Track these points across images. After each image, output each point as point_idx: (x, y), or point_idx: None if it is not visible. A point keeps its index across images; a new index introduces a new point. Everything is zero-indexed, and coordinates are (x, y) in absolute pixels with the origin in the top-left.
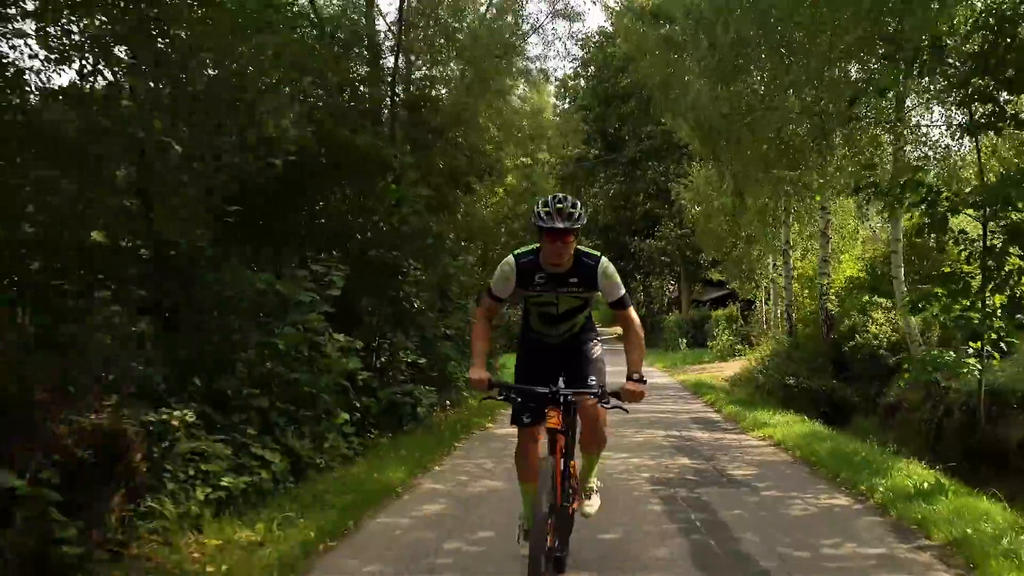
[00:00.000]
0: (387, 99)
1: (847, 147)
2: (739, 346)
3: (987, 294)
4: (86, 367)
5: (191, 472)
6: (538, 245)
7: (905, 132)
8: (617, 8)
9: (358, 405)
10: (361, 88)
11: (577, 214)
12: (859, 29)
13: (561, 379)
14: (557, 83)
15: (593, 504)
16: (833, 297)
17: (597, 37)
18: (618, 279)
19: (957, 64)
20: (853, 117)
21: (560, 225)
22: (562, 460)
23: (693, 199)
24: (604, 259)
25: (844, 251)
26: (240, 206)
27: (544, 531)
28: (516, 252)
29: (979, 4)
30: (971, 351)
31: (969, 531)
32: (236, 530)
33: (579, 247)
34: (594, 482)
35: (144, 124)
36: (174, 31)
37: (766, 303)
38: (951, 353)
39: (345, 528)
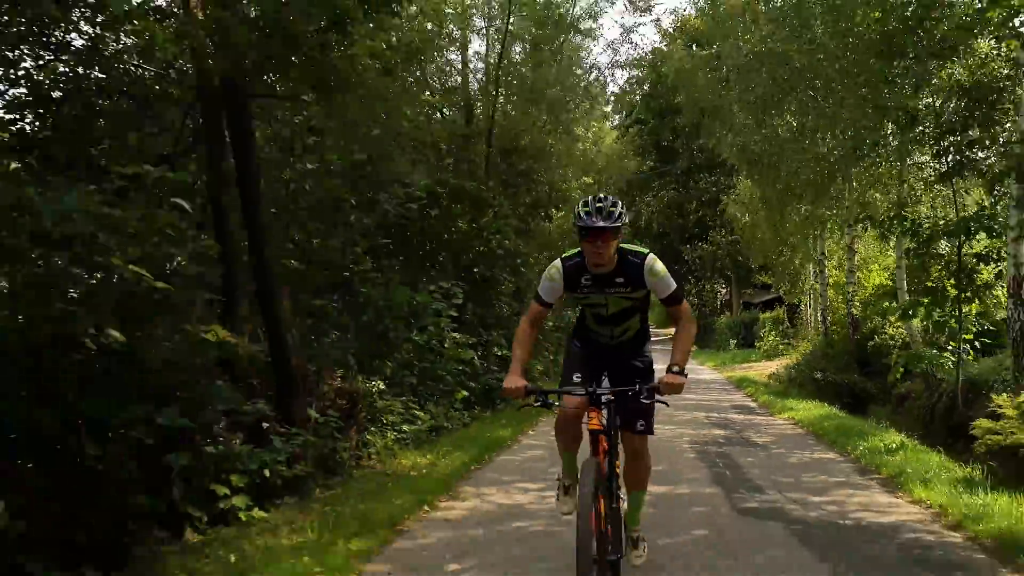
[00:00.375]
0: (485, 149)
1: (850, 186)
2: (783, 346)
3: (960, 304)
4: (324, 353)
5: (384, 421)
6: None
7: (896, 175)
8: (670, 31)
9: (472, 386)
10: (464, 144)
11: (617, 212)
12: (855, 96)
13: (605, 379)
14: (614, 99)
15: (641, 554)
16: (858, 303)
17: (651, 55)
18: (667, 275)
19: (929, 128)
20: (855, 162)
21: (599, 224)
22: (606, 460)
23: (740, 210)
24: (651, 256)
25: (873, 261)
26: (389, 239)
27: (591, 540)
28: (564, 255)
29: (957, 72)
30: (950, 348)
31: (908, 470)
32: (416, 457)
33: (624, 246)
34: (640, 531)
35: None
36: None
37: (808, 307)
38: (933, 351)
39: (483, 459)
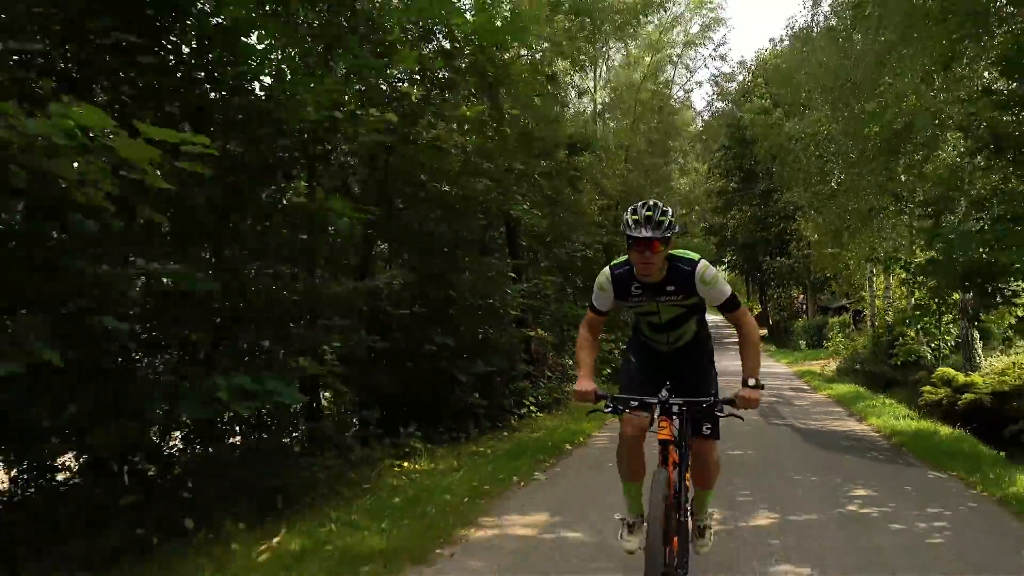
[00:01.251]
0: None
1: (868, 234)
2: (844, 346)
3: (938, 315)
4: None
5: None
6: None
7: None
8: (753, 69)
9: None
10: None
11: (667, 222)
12: (867, 176)
13: (665, 389)
14: (702, 127)
15: (707, 543)
16: (892, 312)
17: (734, 90)
18: (720, 281)
19: (911, 206)
20: (869, 220)
21: (647, 234)
22: (675, 472)
23: (809, 229)
24: (702, 263)
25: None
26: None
27: (660, 552)
28: (612, 263)
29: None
30: (932, 345)
31: (876, 412)
32: (544, 421)
33: (673, 252)
34: (707, 517)
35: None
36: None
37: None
38: (920, 346)
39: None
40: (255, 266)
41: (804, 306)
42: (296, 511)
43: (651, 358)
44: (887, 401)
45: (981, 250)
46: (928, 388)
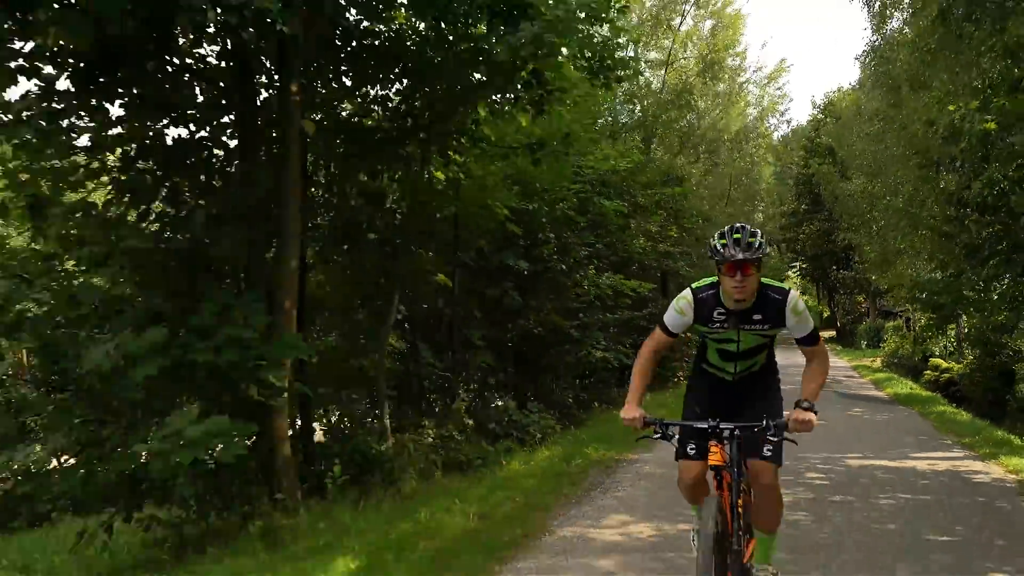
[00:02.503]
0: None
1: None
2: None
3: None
4: None
5: None
6: (717, 278)
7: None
8: (819, 113)
9: None
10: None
11: (757, 243)
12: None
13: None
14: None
15: None
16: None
17: (804, 124)
18: (808, 314)
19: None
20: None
21: (740, 256)
22: (729, 496)
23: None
24: (793, 293)
25: None
26: None
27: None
28: (695, 285)
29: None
30: (942, 345)
31: (899, 389)
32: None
33: (764, 279)
34: (769, 569)
35: None
36: None
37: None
38: (935, 345)
39: None
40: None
41: (867, 311)
42: None
43: (714, 388)
44: (904, 380)
45: (935, 296)
46: (927, 372)
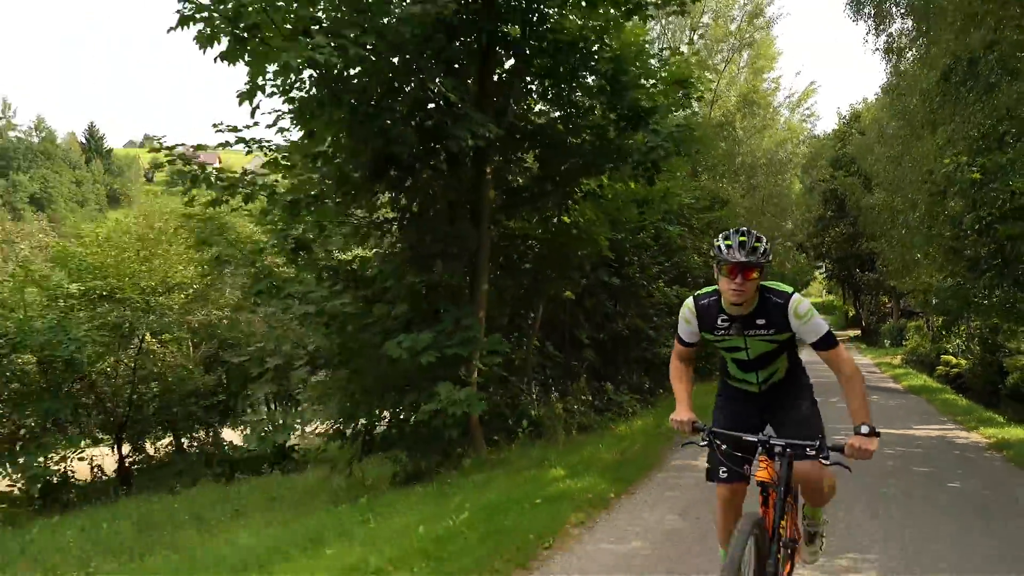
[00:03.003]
0: None
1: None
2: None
3: (947, 330)
4: None
5: None
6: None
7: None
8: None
9: None
10: None
11: (762, 248)
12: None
13: (769, 430)
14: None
15: (816, 550)
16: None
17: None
18: (814, 317)
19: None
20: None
21: (742, 258)
22: (773, 515)
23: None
24: (795, 296)
25: None
26: None
27: None
28: (696, 293)
29: None
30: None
31: (914, 382)
32: None
33: (765, 283)
34: (821, 524)
35: None
36: None
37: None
38: (948, 344)
39: None
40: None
41: (891, 311)
42: None
43: (742, 401)
44: (920, 374)
45: (946, 300)
46: (940, 367)
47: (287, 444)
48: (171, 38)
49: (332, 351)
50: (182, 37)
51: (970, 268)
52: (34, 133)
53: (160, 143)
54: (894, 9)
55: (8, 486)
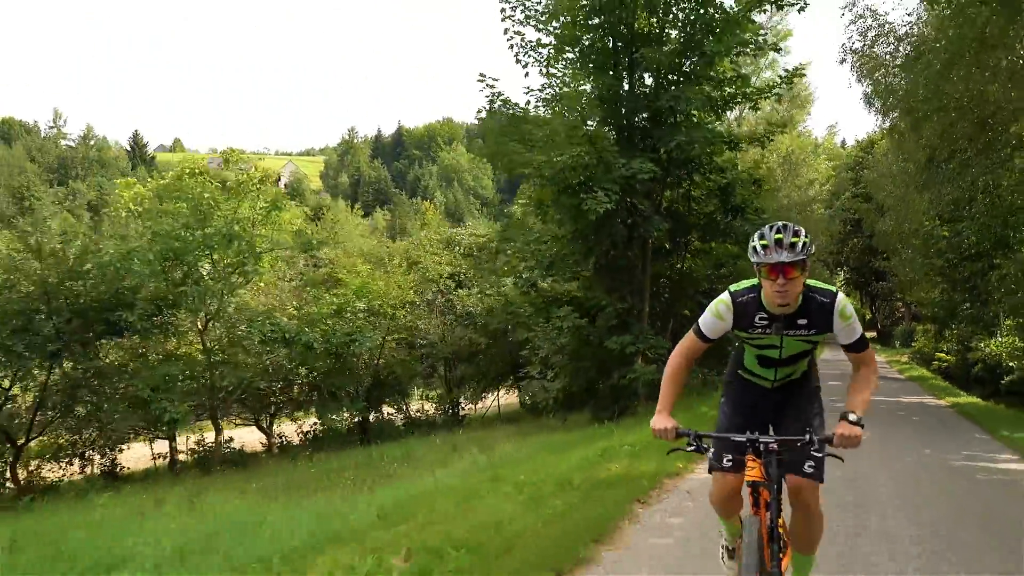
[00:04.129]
0: None
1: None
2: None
3: (939, 333)
4: None
5: None
6: (757, 281)
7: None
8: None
9: None
10: None
11: (801, 243)
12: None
13: (771, 428)
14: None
15: None
16: None
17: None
18: (856, 319)
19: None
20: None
21: (779, 257)
22: (768, 516)
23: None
24: (841, 296)
25: None
26: None
27: None
28: (733, 288)
29: None
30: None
31: (913, 372)
32: None
33: (808, 282)
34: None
35: None
36: None
37: None
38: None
39: None
40: None
41: (903, 315)
42: None
43: (753, 397)
44: (920, 368)
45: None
46: (935, 362)
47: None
48: (171, 38)
49: (570, 346)
50: (182, 36)
51: (952, 288)
52: (83, 142)
53: (231, 151)
54: (896, 106)
55: (299, 432)
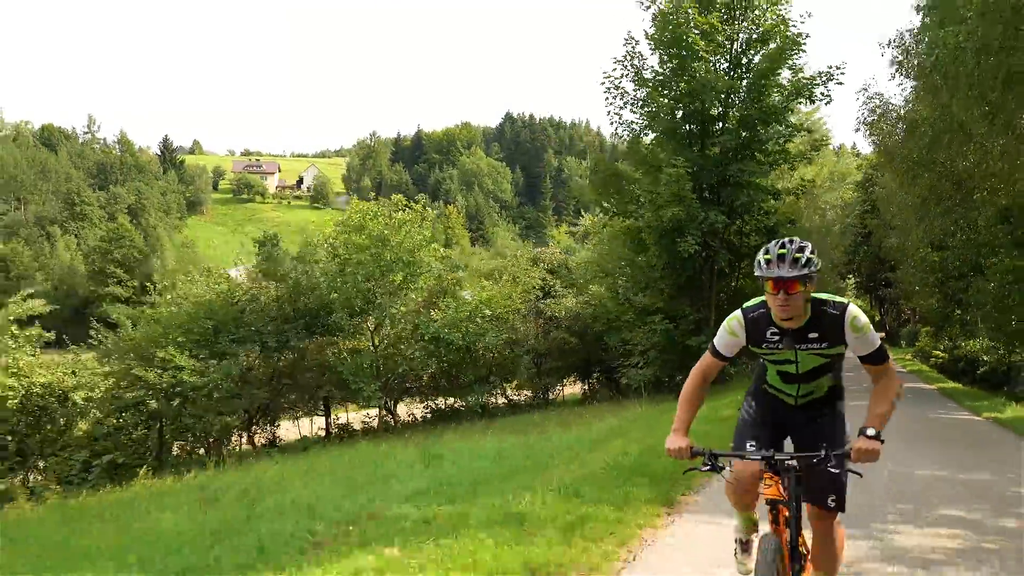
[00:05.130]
0: None
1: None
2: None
3: (936, 335)
4: None
5: None
6: None
7: None
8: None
9: None
10: None
11: (805, 259)
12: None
13: (787, 444)
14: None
15: None
16: None
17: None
18: (870, 330)
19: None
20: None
21: (785, 273)
22: (788, 533)
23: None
24: (852, 307)
25: None
26: None
27: None
28: (745, 305)
29: None
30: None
31: (915, 367)
32: None
33: (818, 295)
34: None
35: None
36: None
37: None
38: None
39: None
40: None
41: (909, 317)
42: None
43: (774, 411)
44: (920, 363)
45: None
46: (932, 359)
47: (548, 396)
48: (179, 39)
49: (660, 343)
50: (190, 38)
51: (944, 299)
52: (117, 147)
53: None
54: (897, 165)
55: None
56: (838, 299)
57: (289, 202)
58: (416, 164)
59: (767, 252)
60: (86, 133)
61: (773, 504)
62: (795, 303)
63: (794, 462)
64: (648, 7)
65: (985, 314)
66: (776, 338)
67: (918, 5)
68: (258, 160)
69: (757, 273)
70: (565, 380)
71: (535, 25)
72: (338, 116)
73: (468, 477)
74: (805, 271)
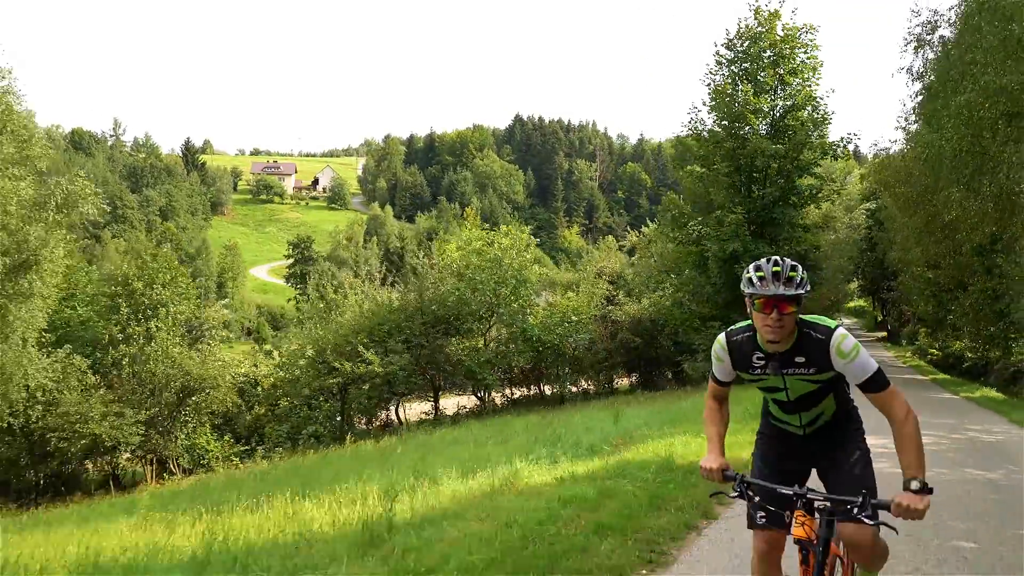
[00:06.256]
0: None
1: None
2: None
3: (932, 335)
4: None
5: None
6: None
7: None
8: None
9: None
10: None
11: (799, 278)
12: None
13: (808, 482)
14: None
15: None
16: None
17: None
18: (860, 355)
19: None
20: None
21: (775, 290)
22: None
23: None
24: (838, 332)
25: None
26: None
27: None
28: (730, 328)
29: None
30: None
31: (915, 363)
32: None
33: (804, 317)
34: None
35: None
36: None
37: None
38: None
39: None
40: None
41: (910, 318)
42: None
43: (787, 447)
44: (918, 360)
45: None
46: (930, 354)
47: (613, 386)
48: (189, 40)
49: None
50: (200, 39)
51: (938, 306)
52: (143, 150)
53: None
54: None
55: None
56: (824, 321)
57: (307, 203)
58: (429, 166)
59: (759, 269)
60: (112, 136)
61: (803, 545)
62: (787, 325)
63: (827, 503)
64: (708, 83)
65: (967, 322)
66: (762, 363)
67: (918, 112)
68: (275, 161)
69: (748, 290)
70: (621, 372)
71: (538, 26)
72: (347, 116)
73: (649, 424)
74: (801, 291)
